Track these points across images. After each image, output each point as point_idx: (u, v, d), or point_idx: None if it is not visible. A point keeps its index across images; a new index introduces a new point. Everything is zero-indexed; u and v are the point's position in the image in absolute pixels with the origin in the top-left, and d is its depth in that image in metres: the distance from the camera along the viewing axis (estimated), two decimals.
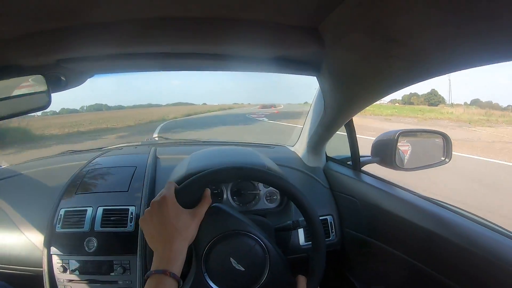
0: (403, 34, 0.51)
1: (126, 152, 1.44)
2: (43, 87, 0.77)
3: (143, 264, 0.89)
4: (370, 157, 1.15)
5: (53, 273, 0.96)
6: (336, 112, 0.95)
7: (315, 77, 0.89)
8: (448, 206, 0.87)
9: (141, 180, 1.11)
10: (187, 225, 0.62)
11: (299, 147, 1.34)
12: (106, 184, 1.12)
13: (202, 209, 0.66)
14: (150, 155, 1.26)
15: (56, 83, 0.84)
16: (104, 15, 0.61)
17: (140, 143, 1.58)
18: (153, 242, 0.62)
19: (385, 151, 1.08)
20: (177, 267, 0.58)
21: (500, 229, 0.73)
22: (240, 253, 0.67)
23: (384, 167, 1.10)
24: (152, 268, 0.58)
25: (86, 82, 0.94)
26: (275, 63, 0.80)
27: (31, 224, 1.03)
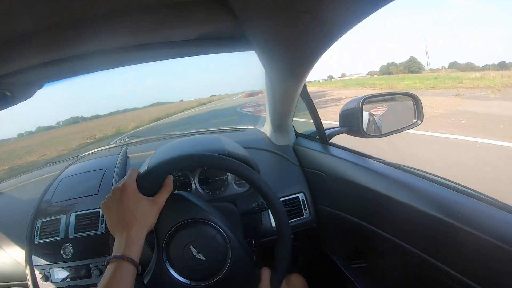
0: None
1: (99, 156, 1.45)
2: None
3: None
4: (338, 128, 1.10)
5: (37, 285, 0.98)
6: (283, 84, 0.92)
7: None
8: (421, 173, 0.80)
9: (110, 182, 1.13)
10: (146, 213, 0.63)
11: (267, 127, 1.32)
12: (78, 190, 1.14)
13: (162, 196, 0.66)
14: (120, 156, 1.27)
15: (2, 99, 0.85)
16: (33, 20, 0.59)
17: (114, 145, 1.58)
18: (113, 228, 0.62)
19: (351, 120, 1.03)
20: (135, 253, 0.59)
21: (477, 194, 0.67)
22: (200, 242, 0.66)
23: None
24: (112, 254, 0.59)
25: (54, 96, 0.96)
26: (208, 44, 0.78)
27: (12, 241, 1.06)
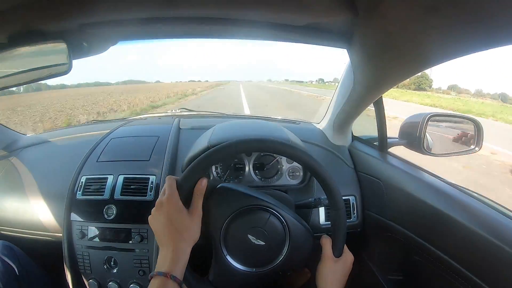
0: (446, 3, 0.45)
1: (149, 123, 1.44)
2: (65, 53, 0.76)
3: None
4: (397, 139, 1.09)
5: (72, 239, 0.98)
6: (366, 88, 0.90)
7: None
8: (478, 196, 0.81)
9: (162, 150, 1.11)
10: (188, 226, 0.62)
11: (325, 125, 1.30)
12: (128, 153, 1.13)
13: (197, 204, 0.64)
14: (173, 126, 1.25)
15: (78, 49, 0.83)
16: None
17: (163, 114, 1.58)
18: (159, 241, 0.63)
19: (413, 134, 1.02)
20: (179, 269, 0.59)
21: None
22: (256, 228, 0.66)
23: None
24: (156, 268, 0.59)
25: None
26: (305, 32, 0.75)
27: (52, 191, 1.06)
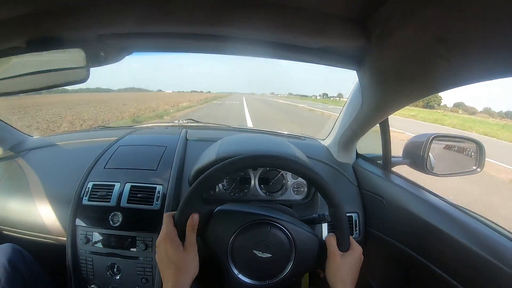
0: (454, 35, 0.48)
1: (157, 132, 1.45)
2: (82, 61, 0.77)
3: None
4: (401, 158, 1.12)
5: (76, 244, 0.99)
6: (373, 109, 0.92)
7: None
8: (478, 217, 0.83)
9: (170, 161, 1.12)
10: (186, 262, 0.64)
11: (330, 142, 1.31)
12: (135, 161, 1.14)
13: (191, 239, 0.66)
14: (180, 137, 1.27)
15: (95, 58, 0.85)
16: None
17: (171, 124, 1.59)
18: (162, 277, 0.66)
19: (417, 153, 1.05)
20: None
21: None
22: (260, 243, 0.68)
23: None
24: None
25: None
26: (316, 53, 0.78)
27: (58, 195, 1.06)
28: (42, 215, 1.04)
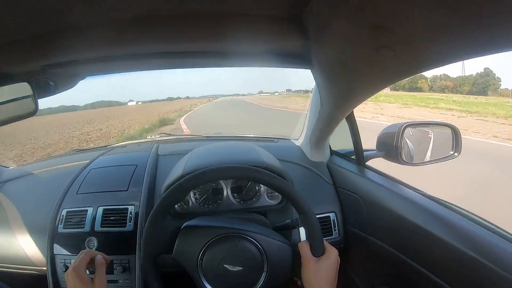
0: (389, 20, 0.46)
1: (129, 150, 1.44)
2: (29, 94, 0.76)
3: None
4: (375, 151, 1.09)
5: (56, 272, 0.98)
6: (333, 106, 0.90)
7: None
8: (455, 208, 0.81)
9: (140, 179, 1.11)
10: None
11: (303, 141, 1.29)
12: (106, 184, 1.12)
13: (99, 274, 0.69)
14: (151, 153, 1.25)
15: (44, 88, 0.83)
16: (90, 16, 0.60)
17: (143, 140, 1.58)
18: None
19: (390, 144, 1.02)
20: None
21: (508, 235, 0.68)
22: (228, 256, 0.67)
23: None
24: None
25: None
26: (267, 57, 0.77)
27: (36, 225, 1.05)
28: (23, 246, 1.03)
